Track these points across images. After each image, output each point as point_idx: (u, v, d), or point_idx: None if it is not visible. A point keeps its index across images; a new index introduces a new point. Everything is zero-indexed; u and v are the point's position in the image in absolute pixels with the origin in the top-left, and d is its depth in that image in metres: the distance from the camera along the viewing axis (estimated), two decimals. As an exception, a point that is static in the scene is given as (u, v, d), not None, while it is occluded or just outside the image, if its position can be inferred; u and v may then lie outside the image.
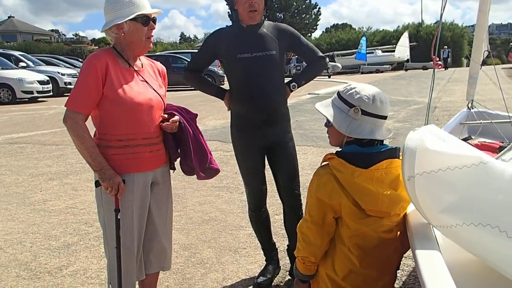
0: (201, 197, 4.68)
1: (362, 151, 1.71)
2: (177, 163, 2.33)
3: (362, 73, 33.44)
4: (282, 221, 2.93)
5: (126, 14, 2.02)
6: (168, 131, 2.17)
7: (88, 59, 2.04)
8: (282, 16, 45.25)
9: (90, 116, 2.07)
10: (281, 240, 3.34)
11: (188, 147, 2.21)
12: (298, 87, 2.75)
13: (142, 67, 2.19)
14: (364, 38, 35.52)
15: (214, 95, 2.79)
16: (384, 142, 1.79)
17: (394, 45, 37.19)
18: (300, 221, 1.85)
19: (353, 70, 35.14)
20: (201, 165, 2.27)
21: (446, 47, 31.81)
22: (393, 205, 1.65)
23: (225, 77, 2.96)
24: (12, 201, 4.74)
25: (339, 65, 31.90)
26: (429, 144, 1.42)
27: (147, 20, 2.09)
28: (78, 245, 3.56)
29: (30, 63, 18.50)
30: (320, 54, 2.81)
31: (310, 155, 6.43)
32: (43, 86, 15.78)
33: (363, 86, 1.76)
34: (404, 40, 36.31)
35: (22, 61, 18.14)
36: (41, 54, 28.33)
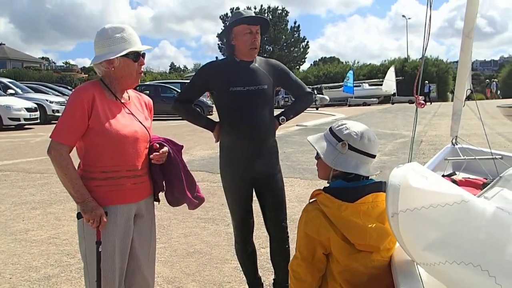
0: (186, 229, 4.63)
1: (347, 185, 1.74)
2: (161, 194, 2.32)
3: (349, 105, 33.91)
4: (268, 255, 2.90)
5: (118, 50, 2.05)
6: (157, 162, 2.17)
7: (75, 91, 2.06)
8: (271, 49, 46.11)
9: (75, 147, 2.07)
10: (266, 274, 3.30)
11: (178, 177, 2.23)
12: (286, 121, 2.82)
13: (129, 99, 2.22)
14: (351, 72, 36.26)
15: (204, 126, 2.81)
16: (370, 176, 1.83)
17: (381, 79, 37.99)
18: (291, 259, 1.85)
19: (341, 102, 35.64)
20: (192, 194, 2.28)
21: (427, 82, 32.45)
22: (381, 238, 1.65)
23: (213, 108, 3.01)
24: (-7, 230, 4.64)
25: (327, 98, 32.36)
26: (412, 182, 1.44)
27: (137, 56, 2.12)
28: (59, 277, 3.48)
29: (18, 90, 18.42)
30: (308, 89, 2.91)
31: (297, 187, 6.43)
32: (31, 113, 15.68)
33: (354, 123, 1.82)
34: (391, 74, 37.13)
35: (10, 88, 18.05)
36: (30, 81, 28.27)
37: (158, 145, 2.19)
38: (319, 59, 65.50)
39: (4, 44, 64.62)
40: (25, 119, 15.48)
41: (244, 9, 2.74)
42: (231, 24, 2.63)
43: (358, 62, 50.38)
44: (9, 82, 19.22)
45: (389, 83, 36.41)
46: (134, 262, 2.20)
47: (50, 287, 3.31)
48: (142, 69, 2.17)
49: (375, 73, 43.57)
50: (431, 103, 30.04)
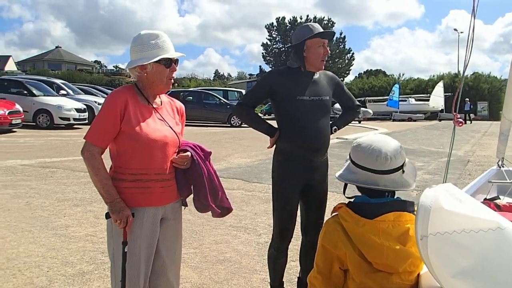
0: (218, 236, 4.65)
1: (369, 201, 1.70)
2: (190, 200, 2.34)
3: (394, 120, 33.15)
4: (295, 269, 2.90)
5: (151, 56, 2.10)
6: (179, 167, 2.20)
7: (109, 96, 2.14)
8: (316, 60, 45.80)
9: (107, 149, 2.13)
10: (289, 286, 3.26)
11: (202, 184, 2.23)
12: (337, 130, 2.96)
13: (161, 104, 2.26)
14: (397, 85, 35.42)
15: (264, 132, 2.87)
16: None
17: (428, 94, 36.88)
18: (311, 270, 1.82)
19: (385, 117, 34.89)
20: (214, 202, 2.28)
21: (467, 99, 31.20)
22: (399, 260, 1.58)
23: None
24: (36, 224, 4.83)
25: (370, 111, 31.78)
26: (444, 204, 1.38)
27: (169, 63, 2.16)
28: (92, 274, 3.57)
29: (70, 91, 19.33)
30: (357, 103, 3.05)
31: (332, 201, 6.32)
32: (80, 114, 16.38)
33: (365, 138, 1.77)
34: (439, 89, 35.96)
35: (62, 89, 19.02)
36: (82, 83, 29.53)
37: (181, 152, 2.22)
38: (364, 72, 64.55)
39: (60, 47, 68.13)
40: (75, 119, 16.18)
41: (311, 23, 2.85)
42: (306, 37, 2.71)
43: (404, 75, 49.32)
44: (62, 83, 20.21)
45: (437, 99, 35.26)
46: (159, 264, 2.23)
47: (83, 283, 3.41)
48: (173, 75, 2.21)
49: (423, 87, 42.36)
50: (471, 122, 28.94)
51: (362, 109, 30.77)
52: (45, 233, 4.55)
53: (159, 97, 2.27)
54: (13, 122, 13.83)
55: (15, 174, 7.43)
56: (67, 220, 5.03)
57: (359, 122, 27.51)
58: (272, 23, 52.26)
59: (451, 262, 1.31)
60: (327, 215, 1.97)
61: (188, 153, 2.21)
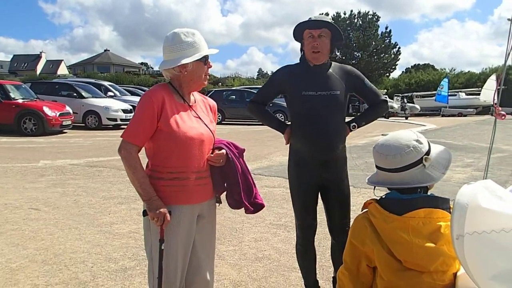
0: (257, 233, 4.65)
1: (400, 197, 1.65)
2: (223, 197, 2.35)
3: (443, 115, 31.97)
4: (326, 265, 2.85)
5: (190, 54, 2.10)
6: (215, 165, 2.20)
7: (146, 94, 2.15)
8: (360, 55, 44.91)
9: (144, 148, 2.16)
10: (325, 284, 3.20)
11: (236, 181, 2.23)
12: (357, 128, 2.80)
13: (195, 102, 2.27)
14: (446, 80, 34.03)
15: (275, 128, 2.88)
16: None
17: (480, 88, 35.24)
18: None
19: (433, 112, 33.70)
20: (248, 199, 2.28)
21: None
22: (430, 259, 1.51)
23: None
24: (83, 221, 5.02)
25: (418, 107, 30.84)
26: (482, 201, 1.30)
27: (206, 60, 2.18)
28: (134, 270, 3.66)
29: (117, 92, 20.03)
30: (383, 97, 2.86)
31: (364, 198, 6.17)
32: (126, 114, 16.89)
33: (382, 138, 1.80)
34: (491, 83, 34.08)
35: (110, 90, 19.73)
36: (129, 84, 30.48)
37: (216, 150, 2.23)
38: (411, 66, 62.71)
39: (108, 50, 70.73)
40: (121, 120, 16.71)
41: (314, 16, 2.74)
42: (299, 30, 2.68)
43: (454, 70, 47.41)
44: (109, 85, 20.99)
45: (488, 93, 33.62)
46: (195, 262, 2.24)
47: (125, 278, 3.50)
48: (208, 72, 2.23)
49: (474, 81, 40.50)
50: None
51: (409, 104, 29.98)
52: (91, 230, 4.72)
53: (193, 95, 2.29)
54: (64, 123, 14.49)
55: (64, 173, 7.77)
56: (112, 218, 5.19)
57: (406, 118, 26.79)
58: (315, 19, 51.58)
59: (489, 263, 1.23)
60: (357, 212, 1.92)
61: (223, 151, 2.22)
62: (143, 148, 2.16)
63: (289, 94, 2.74)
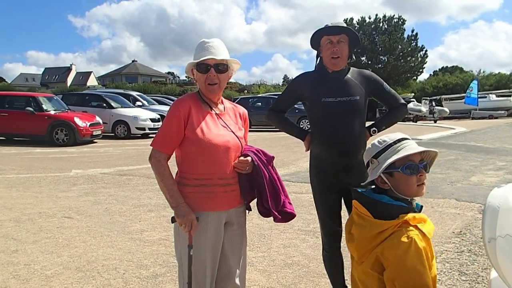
0: (286, 240, 4.65)
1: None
2: (253, 204, 2.36)
3: (473, 118, 31.17)
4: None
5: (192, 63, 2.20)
6: (240, 171, 2.22)
7: (173, 104, 2.21)
8: (386, 59, 44.35)
9: (173, 155, 2.21)
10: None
11: (263, 188, 2.24)
12: (377, 132, 2.77)
13: (224, 110, 2.31)
14: (475, 82, 33.18)
15: (295, 135, 2.90)
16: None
17: (511, 89, 34.23)
18: None
19: (463, 115, 32.92)
20: (276, 207, 2.28)
21: None
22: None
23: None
24: (114, 228, 5.13)
25: (447, 110, 30.20)
26: (515, 204, 1.28)
27: (204, 68, 2.18)
28: (165, 276, 3.72)
29: (145, 102, 20.41)
30: (402, 101, 2.84)
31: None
32: (154, 123, 17.18)
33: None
34: (523, 83, 33.27)
35: (138, 100, 20.14)
36: (156, 94, 30.98)
37: (242, 157, 2.24)
38: (439, 69, 61.37)
39: (136, 61, 72.25)
40: (150, 129, 17.01)
41: (332, 22, 2.73)
42: (317, 37, 2.69)
43: (484, 72, 46.17)
44: (137, 95, 21.40)
45: (521, 94, 32.64)
46: (226, 269, 2.26)
47: (156, 285, 3.56)
48: (212, 80, 2.19)
49: (504, 82, 39.40)
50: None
51: (438, 108, 29.39)
52: (122, 237, 4.82)
53: (222, 103, 2.32)
54: (94, 133, 14.87)
55: (95, 182, 7.96)
56: (142, 225, 5.28)
57: (435, 122, 26.27)
58: (339, 25, 51.24)
59: (523, 266, 1.21)
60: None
61: (249, 158, 2.22)
62: (174, 156, 2.21)
63: (308, 101, 2.75)
